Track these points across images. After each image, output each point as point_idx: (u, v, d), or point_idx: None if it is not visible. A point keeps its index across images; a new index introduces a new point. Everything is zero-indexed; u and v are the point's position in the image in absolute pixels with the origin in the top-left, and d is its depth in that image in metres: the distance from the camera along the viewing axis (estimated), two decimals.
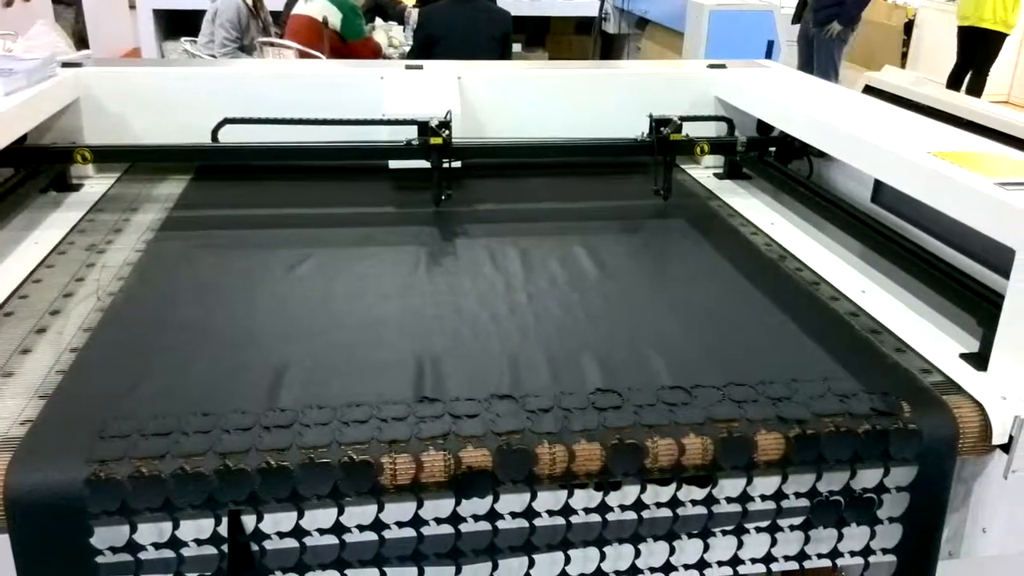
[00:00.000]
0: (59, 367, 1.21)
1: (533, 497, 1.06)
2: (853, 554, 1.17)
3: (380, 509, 1.02)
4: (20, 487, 0.96)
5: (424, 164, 1.93)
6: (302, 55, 4.57)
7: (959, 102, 2.22)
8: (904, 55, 8.44)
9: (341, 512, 1.02)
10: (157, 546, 1.00)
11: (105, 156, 1.98)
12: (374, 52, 5.05)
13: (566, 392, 1.15)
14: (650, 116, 2.00)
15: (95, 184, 2.02)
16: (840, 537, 1.16)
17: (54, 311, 1.39)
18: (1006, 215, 1.21)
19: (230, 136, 1.98)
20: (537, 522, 1.07)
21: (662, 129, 1.98)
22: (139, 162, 2.09)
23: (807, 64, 6.28)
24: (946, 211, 1.35)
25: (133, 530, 0.99)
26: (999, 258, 1.42)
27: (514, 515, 1.07)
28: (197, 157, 2.05)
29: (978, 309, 1.33)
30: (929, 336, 1.36)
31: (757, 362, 1.27)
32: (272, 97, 2.08)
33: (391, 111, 2.00)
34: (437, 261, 1.63)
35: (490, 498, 1.05)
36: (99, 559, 0.99)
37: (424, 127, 1.90)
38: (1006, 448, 1.13)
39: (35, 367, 1.21)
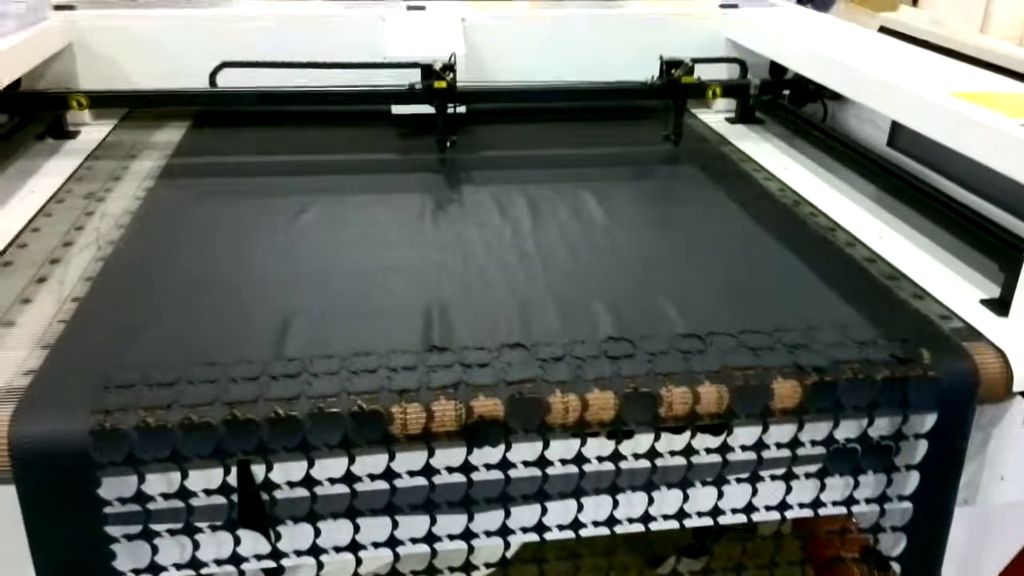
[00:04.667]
0: (61, 317, 1.19)
1: (546, 446, 1.04)
2: (868, 501, 1.16)
3: (391, 458, 1.01)
4: (26, 438, 0.95)
5: (428, 109, 1.89)
6: None
7: (978, 43, 2.15)
8: None
9: (352, 462, 1.00)
10: (166, 496, 0.99)
11: (102, 102, 1.93)
12: None
13: (578, 340, 1.13)
14: (661, 58, 1.94)
15: (92, 131, 1.97)
16: (856, 485, 1.14)
17: (54, 260, 1.36)
18: None
19: (228, 81, 1.93)
20: (550, 471, 1.06)
21: (673, 71, 1.92)
22: (136, 108, 2.04)
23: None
24: (968, 153, 1.31)
25: (141, 480, 0.97)
26: (1018, 200, 1.38)
27: (526, 464, 1.05)
28: (196, 102, 2.00)
29: (999, 254, 1.30)
30: (948, 282, 1.33)
31: (772, 309, 1.24)
32: (271, 40, 2.03)
33: (393, 54, 1.95)
34: (443, 209, 1.60)
35: (502, 447, 1.03)
36: (107, 509, 0.98)
37: (428, 70, 1.85)
38: None
39: (36, 317, 1.19)
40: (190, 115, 2.08)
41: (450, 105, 1.86)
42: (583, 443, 1.05)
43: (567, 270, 1.36)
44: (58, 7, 2.01)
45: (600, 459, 1.07)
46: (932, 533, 1.18)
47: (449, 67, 1.84)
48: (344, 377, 1.03)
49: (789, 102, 2.11)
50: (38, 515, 0.97)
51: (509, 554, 1.11)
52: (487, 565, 1.14)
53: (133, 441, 0.95)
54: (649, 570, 1.45)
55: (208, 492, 1.00)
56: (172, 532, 1.01)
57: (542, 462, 1.05)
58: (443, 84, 1.82)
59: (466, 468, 1.04)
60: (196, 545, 1.02)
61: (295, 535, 1.04)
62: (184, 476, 0.98)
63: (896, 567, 1.20)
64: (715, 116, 2.21)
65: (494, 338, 1.13)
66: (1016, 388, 1.11)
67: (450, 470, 1.04)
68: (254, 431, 0.97)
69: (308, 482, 1.01)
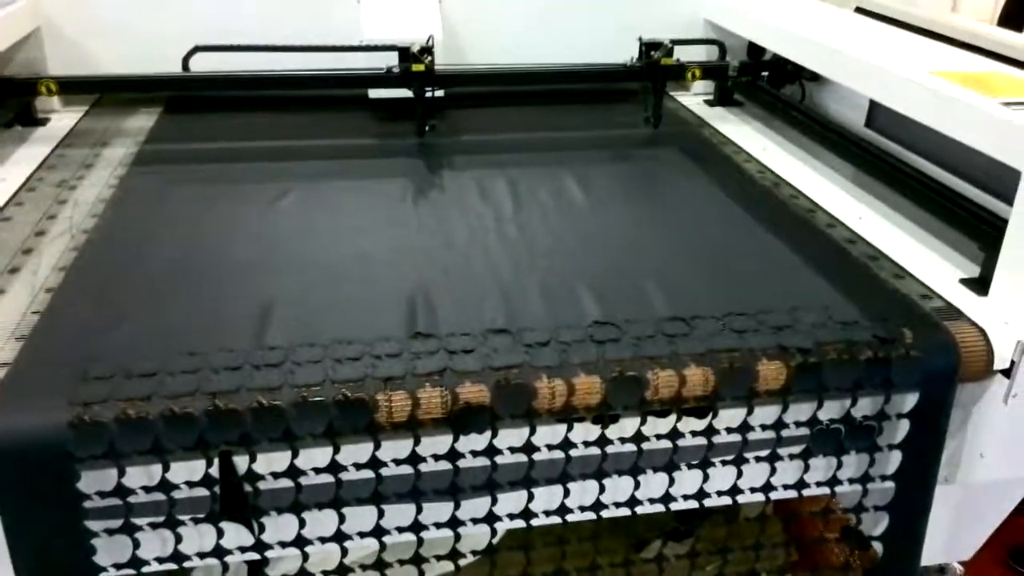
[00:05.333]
0: (35, 308, 1.16)
1: (532, 432, 1.04)
2: (852, 481, 1.17)
3: (377, 447, 1.00)
4: (2, 432, 0.92)
5: (406, 93, 1.86)
6: None
7: (953, 23, 2.16)
8: None
9: (336, 451, 0.99)
10: (147, 489, 0.98)
11: (72, 87, 1.89)
12: None
13: (563, 325, 1.12)
14: (640, 40, 1.93)
15: (62, 118, 1.93)
16: (839, 465, 1.15)
17: (26, 250, 1.33)
18: (1012, 136, 1.17)
19: (201, 65, 1.90)
20: (536, 457, 1.06)
21: (652, 53, 1.91)
22: (108, 93, 2.00)
23: None
24: (949, 133, 1.31)
25: (121, 474, 0.96)
26: (998, 181, 1.39)
27: (513, 450, 1.05)
28: (169, 87, 1.96)
29: (979, 233, 1.31)
30: (928, 261, 1.34)
31: (755, 291, 1.24)
32: (243, 23, 1.99)
33: (369, 36, 1.92)
34: (424, 194, 1.58)
35: (488, 434, 1.02)
36: (87, 504, 0.96)
37: (405, 53, 1.82)
38: (1007, 373, 1.12)
39: (9, 308, 1.16)
40: (162, 101, 2.04)
41: (428, 89, 1.83)
42: (570, 428, 1.05)
43: (550, 254, 1.35)
44: None
45: (586, 444, 1.07)
46: (914, 512, 1.19)
47: (427, 50, 1.82)
48: (328, 365, 1.02)
49: (768, 83, 2.10)
50: (15, 510, 0.95)
51: (495, 540, 1.10)
52: (473, 552, 1.13)
53: (113, 433, 0.93)
54: (634, 554, 1.45)
55: (190, 484, 0.98)
56: (154, 525, 1.00)
57: (528, 448, 1.05)
58: (421, 67, 1.80)
59: (452, 455, 1.03)
60: (178, 538, 1.00)
61: (279, 526, 1.03)
62: (166, 468, 0.96)
63: (878, 546, 1.21)
64: (694, 99, 2.21)
65: (479, 324, 1.12)
66: (996, 366, 1.12)
67: (436, 458, 1.03)
68: (237, 421, 0.95)
69: (292, 472, 1.00)
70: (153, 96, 2.03)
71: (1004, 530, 1.38)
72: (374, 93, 1.98)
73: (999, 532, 1.37)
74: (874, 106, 1.78)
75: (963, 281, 1.27)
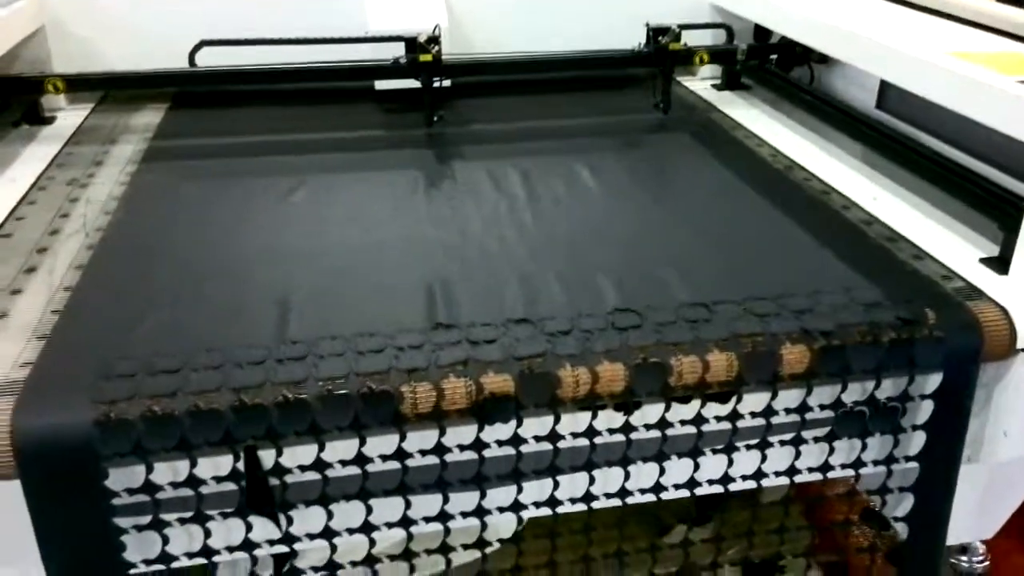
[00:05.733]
0: (54, 307, 1.16)
1: (557, 420, 1.04)
2: (876, 463, 1.16)
3: (402, 438, 1.00)
4: (29, 431, 0.92)
5: (412, 84, 1.86)
6: None
7: (968, 4, 2.14)
8: None
9: (363, 443, 0.99)
10: (175, 485, 0.98)
11: (79, 85, 1.88)
12: None
13: (584, 313, 1.12)
14: (647, 25, 1.92)
15: (69, 116, 1.93)
16: (864, 447, 1.15)
17: (41, 249, 1.32)
18: None
19: (207, 60, 1.89)
20: (561, 445, 1.05)
21: (660, 38, 1.90)
22: (115, 90, 1.99)
23: None
24: (966, 113, 1.30)
25: (149, 470, 0.96)
26: (1013, 160, 1.39)
27: (538, 439, 1.05)
28: (177, 82, 1.96)
29: (996, 212, 1.31)
30: (946, 241, 1.34)
31: (775, 274, 1.23)
32: (248, 18, 1.98)
33: (375, 27, 1.91)
34: (436, 184, 1.58)
35: (513, 423, 1.02)
36: (115, 501, 0.96)
37: (412, 43, 1.82)
38: None
39: (29, 307, 1.16)
40: (168, 97, 2.03)
41: (436, 79, 1.83)
42: (594, 416, 1.05)
43: (566, 242, 1.35)
44: None
45: (611, 431, 1.07)
46: (938, 492, 1.19)
47: (434, 39, 1.81)
48: (351, 358, 1.02)
49: (776, 67, 2.09)
50: (45, 510, 0.95)
51: (521, 528, 1.11)
52: (500, 541, 1.13)
53: (140, 431, 0.93)
54: (658, 539, 1.46)
55: (217, 479, 0.98)
56: (182, 521, 1.00)
57: (553, 436, 1.05)
58: (428, 57, 1.79)
59: (477, 445, 1.03)
60: (207, 533, 1.00)
61: (307, 518, 1.03)
62: (193, 464, 0.96)
63: (903, 527, 1.21)
64: (701, 83, 2.20)
65: (499, 314, 1.12)
66: (1020, 345, 1.12)
67: (462, 448, 1.03)
68: (263, 416, 0.95)
69: (319, 465, 1.00)
70: (159, 92, 2.02)
71: (1022, 508, 1.38)
72: (380, 84, 1.97)
73: (1018, 510, 1.37)
74: (885, 87, 1.77)
75: (983, 260, 1.27)
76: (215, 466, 0.99)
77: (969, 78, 1.29)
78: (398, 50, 1.84)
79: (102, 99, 2.02)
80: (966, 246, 1.32)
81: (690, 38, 1.99)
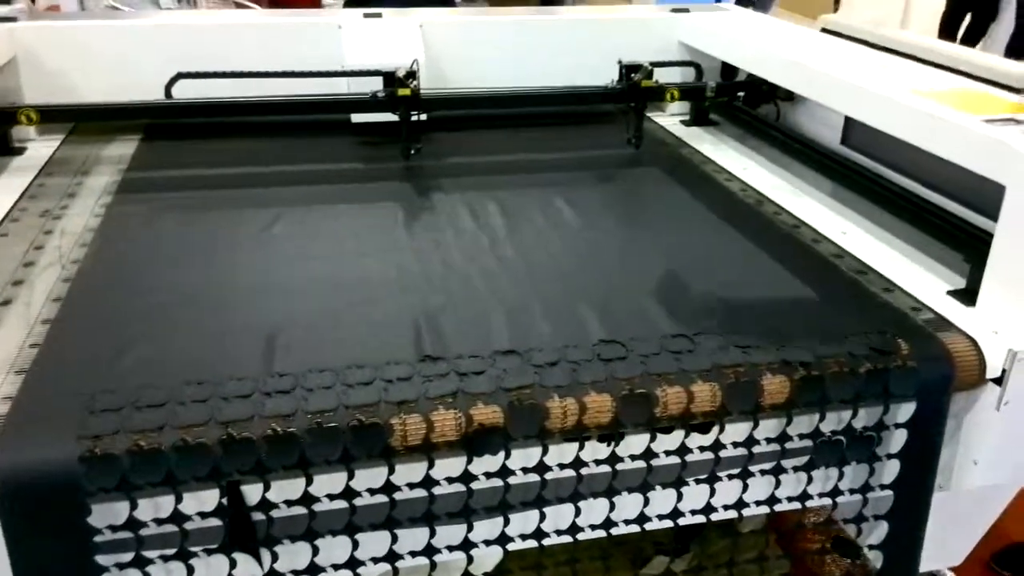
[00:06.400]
0: (32, 340, 1.14)
1: (545, 451, 1.04)
2: (852, 491, 1.19)
3: (391, 471, 1.00)
4: (9, 467, 0.90)
5: (389, 117, 1.87)
6: (237, 5, 4.39)
7: (918, 42, 2.23)
8: (836, 1, 8.45)
9: (351, 476, 0.99)
10: (159, 521, 0.96)
11: (53, 116, 1.86)
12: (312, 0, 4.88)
13: (570, 344, 1.13)
14: (620, 62, 1.96)
15: (39, 147, 1.90)
16: (841, 475, 1.18)
17: (16, 281, 1.30)
18: (996, 152, 1.22)
19: (183, 92, 1.89)
20: (548, 476, 1.06)
21: (632, 75, 1.95)
22: (89, 122, 1.98)
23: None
24: (932, 150, 1.35)
25: (133, 507, 0.94)
26: (974, 194, 1.44)
27: (525, 470, 1.05)
28: (152, 114, 1.95)
29: (962, 245, 1.35)
30: (914, 274, 1.38)
31: (752, 306, 1.27)
32: (225, 50, 1.98)
33: (352, 62, 1.93)
34: (415, 217, 1.59)
35: (502, 455, 1.03)
36: (97, 538, 0.94)
37: (391, 78, 1.83)
38: (998, 381, 1.15)
39: (6, 341, 1.14)
40: (140, 128, 2.02)
41: (414, 112, 1.84)
42: (581, 447, 1.06)
43: (548, 274, 1.36)
44: (0, 19, 1.93)
45: (597, 462, 1.08)
46: (912, 519, 1.22)
47: (412, 74, 1.83)
48: (340, 391, 1.02)
49: (743, 104, 2.15)
50: (24, 547, 0.93)
51: (503, 561, 1.11)
52: (485, 574, 1.13)
53: (125, 466, 0.92)
54: (639, 571, 1.46)
55: (203, 515, 0.97)
56: (165, 558, 0.98)
57: (541, 468, 1.05)
58: (407, 91, 1.81)
59: (466, 477, 1.03)
60: (190, 570, 0.99)
61: (292, 554, 1.02)
62: (178, 500, 0.95)
63: (877, 555, 1.23)
64: (670, 119, 2.25)
65: (485, 345, 1.13)
66: (988, 375, 1.16)
67: (450, 480, 1.03)
68: (251, 450, 0.95)
69: (306, 499, 0.99)
70: (131, 124, 2.01)
71: (987, 535, 1.41)
72: (357, 117, 1.98)
73: (983, 537, 1.40)
74: (849, 124, 1.83)
75: (951, 293, 1.31)
76: (199, 501, 0.98)
77: (935, 116, 1.34)
78: (374, 84, 1.86)
79: (72, 130, 1.99)
80: (934, 279, 1.37)
81: (660, 75, 2.04)
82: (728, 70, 2.21)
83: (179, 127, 2.01)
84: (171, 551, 0.98)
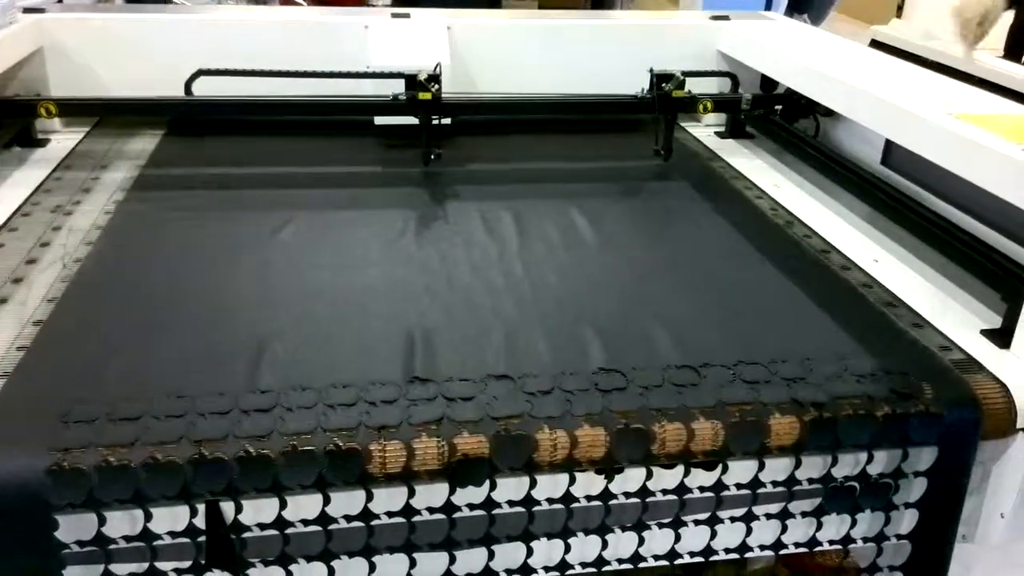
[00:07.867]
0: (20, 342, 1.12)
1: (532, 485, 0.99)
2: (866, 540, 1.12)
3: (369, 499, 0.95)
4: None
5: (412, 120, 1.83)
6: (284, 1, 4.40)
7: (976, 59, 2.12)
8: (900, 6, 8.20)
9: (327, 502, 0.95)
10: (128, 539, 0.93)
11: (72, 110, 1.86)
12: None
13: (567, 372, 1.08)
14: (651, 71, 1.89)
15: (62, 139, 1.90)
16: (853, 523, 1.10)
17: (16, 279, 1.29)
18: None
19: (205, 88, 1.87)
20: (536, 510, 1.01)
21: (664, 85, 1.87)
22: (109, 116, 1.97)
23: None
24: (969, 178, 1.27)
25: (102, 522, 0.91)
26: (1020, 227, 1.35)
27: (512, 503, 1.00)
28: (171, 111, 1.94)
29: (1000, 282, 1.26)
30: (947, 310, 1.29)
31: (768, 337, 1.19)
32: (249, 47, 1.97)
33: (376, 63, 1.89)
34: (427, 226, 1.54)
35: (486, 486, 0.98)
36: (65, 552, 0.91)
37: (412, 81, 1.79)
38: None
39: None
40: (164, 123, 2.01)
41: (435, 117, 1.80)
42: (572, 481, 1.00)
43: (556, 294, 1.31)
44: (27, 10, 1.93)
45: (589, 498, 1.03)
46: (930, 572, 1.14)
47: (434, 78, 1.78)
48: (320, 411, 0.98)
49: (781, 117, 2.07)
50: None
51: None
52: None
53: (93, 482, 0.89)
54: None
55: (173, 534, 0.94)
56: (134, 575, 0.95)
57: (528, 501, 1.00)
58: (428, 96, 1.76)
59: (448, 508, 0.98)
60: None
61: None
62: (148, 518, 0.92)
63: None
64: (705, 130, 2.17)
65: (479, 368, 1.08)
66: (1020, 424, 1.07)
67: (431, 510, 0.99)
68: (223, 471, 0.91)
69: (280, 523, 0.95)
70: (156, 119, 2.00)
71: None
72: (380, 120, 1.95)
73: None
74: (890, 144, 1.74)
75: (984, 332, 1.23)
76: (172, 518, 0.94)
77: (974, 143, 1.25)
78: (398, 86, 1.82)
79: (97, 123, 1.99)
80: (967, 315, 1.28)
81: (696, 84, 1.96)
82: (767, 82, 2.13)
83: (201, 124, 2.00)
84: (142, 567, 0.95)
